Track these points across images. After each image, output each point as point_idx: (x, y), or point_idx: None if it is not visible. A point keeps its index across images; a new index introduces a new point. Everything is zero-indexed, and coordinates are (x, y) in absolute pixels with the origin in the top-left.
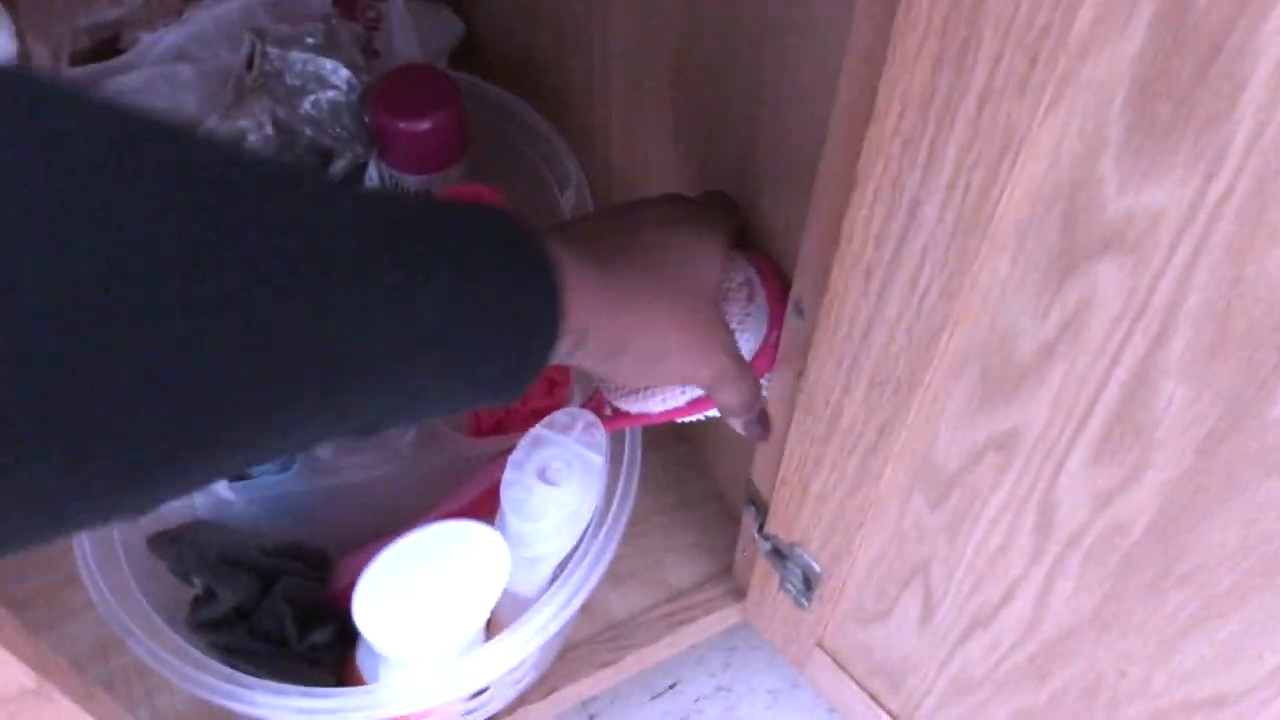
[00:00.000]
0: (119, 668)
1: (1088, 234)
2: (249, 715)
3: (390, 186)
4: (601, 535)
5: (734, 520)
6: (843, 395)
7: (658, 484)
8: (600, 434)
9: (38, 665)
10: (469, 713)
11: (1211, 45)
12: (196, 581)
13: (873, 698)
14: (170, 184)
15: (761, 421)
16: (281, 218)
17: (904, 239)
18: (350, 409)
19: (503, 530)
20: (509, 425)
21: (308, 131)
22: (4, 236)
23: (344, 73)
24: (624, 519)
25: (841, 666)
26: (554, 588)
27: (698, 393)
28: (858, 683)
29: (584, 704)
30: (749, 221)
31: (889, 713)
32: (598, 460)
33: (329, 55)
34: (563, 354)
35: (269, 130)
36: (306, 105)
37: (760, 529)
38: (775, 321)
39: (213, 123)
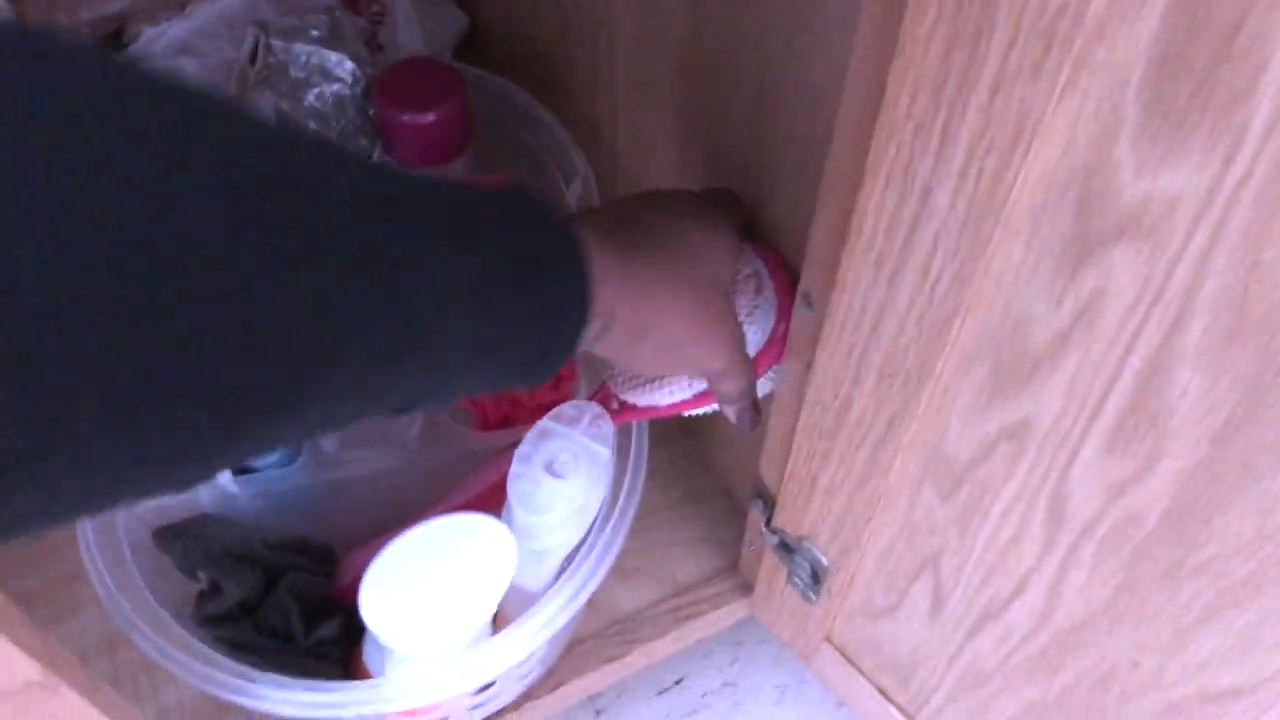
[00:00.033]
0: (125, 663)
1: (1103, 219)
2: (255, 709)
3: None
4: (608, 529)
5: (741, 514)
6: (852, 387)
7: (664, 478)
8: (607, 427)
9: (44, 658)
10: (476, 707)
11: (1232, 23)
12: (202, 576)
13: (881, 692)
14: (235, 166)
15: (754, 409)
16: (333, 197)
17: (916, 226)
18: (388, 389)
19: (509, 523)
20: (516, 418)
21: (312, 124)
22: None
23: (348, 65)
24: (631, 513)
25: (850, 661)
26: (561, 581)
27: (705, 386)
28: (866, 677)
29: (590, 699)
30: (755, 214)
31: (898, 707)
32: (605, 453)
33: (333, 48)
34: (589, 339)
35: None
36: (311, 98)
37: (768, 523)
38: (783, 313)
39: None
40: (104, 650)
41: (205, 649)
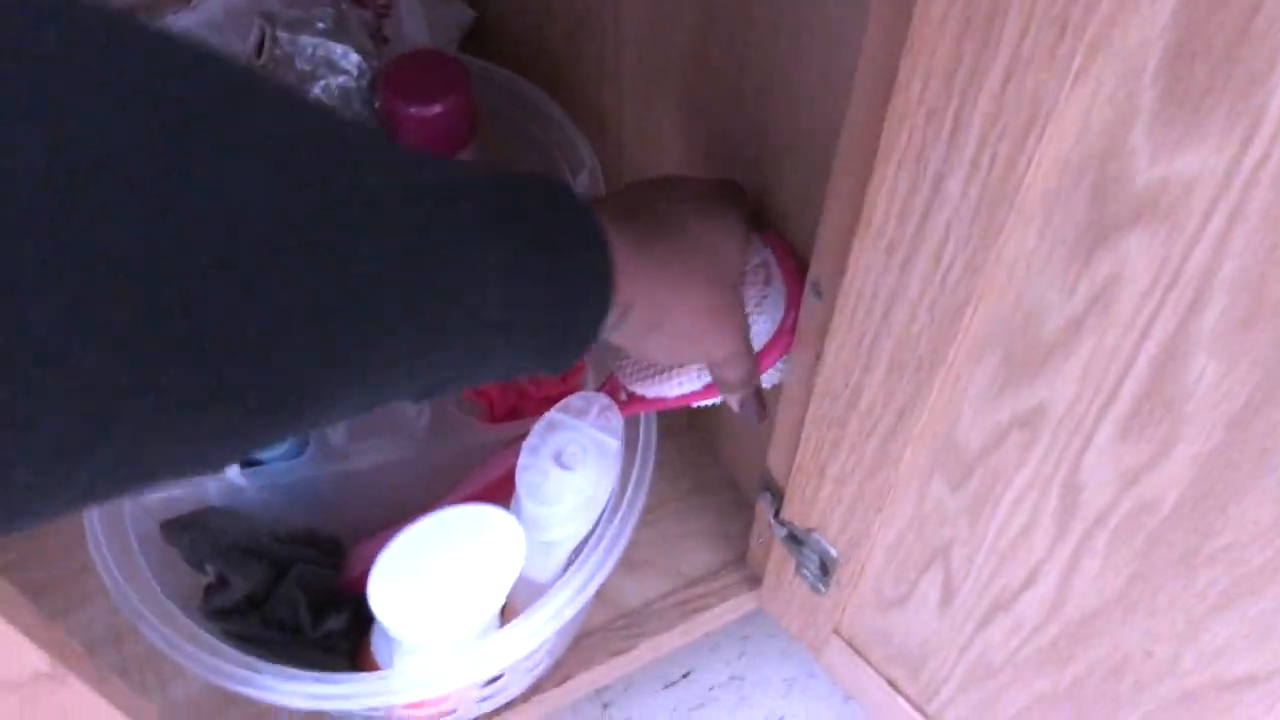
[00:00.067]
0: (133, 655)
1: (1118, 204)
2: (263, 701)
3: None
4: (616, 520)
5: (749, 506)
6: (862, 376)
7: (673, 470)
8: (616, 418)
9: (52, 650)
10: (484, 699)
11: (1250, 4)
12: (209, 569)
13: (890, 684)
14: (283, 148)
15: (758, 399)
16: (379, 182)
17: (928, 213)
18: (417, 372)
19: (518, 515)
20: (523, 410)
21: None
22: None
23: (354, 57)
24: (639, 505)
25: (858, 653)
26: (569, 573)
27: None
28: (875, 669)
29: (597, 692)
30: (762, 204)
31: (907, 699)
32: (613, 444)
33: (339, 40)
34: (609, 327)
35: None
36: (316, 90)
37: (776, 514)
38: (792, 303)
39: None
40: (112, 642)
41: (212, 640)
